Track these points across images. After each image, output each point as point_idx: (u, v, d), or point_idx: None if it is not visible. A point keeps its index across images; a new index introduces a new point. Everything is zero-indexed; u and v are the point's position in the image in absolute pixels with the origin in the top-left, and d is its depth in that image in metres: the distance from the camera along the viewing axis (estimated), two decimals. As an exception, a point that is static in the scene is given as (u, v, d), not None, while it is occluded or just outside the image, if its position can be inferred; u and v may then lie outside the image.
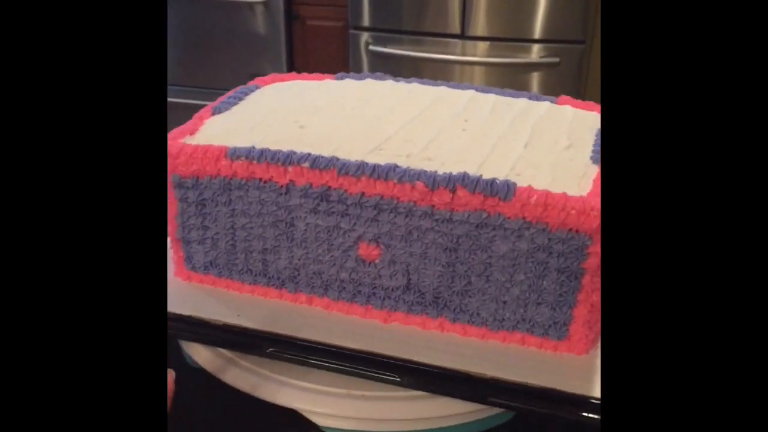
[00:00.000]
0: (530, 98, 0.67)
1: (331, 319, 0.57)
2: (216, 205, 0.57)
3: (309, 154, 0.53)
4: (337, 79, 0.73)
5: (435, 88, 0.69)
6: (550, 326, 0.54)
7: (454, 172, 0.51)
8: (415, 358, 0.53)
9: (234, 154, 0.55)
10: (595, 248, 0.50)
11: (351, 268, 0.56)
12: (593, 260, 0.50)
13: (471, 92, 0.67)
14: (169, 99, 2.31)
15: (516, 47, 1.88)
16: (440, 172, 0.51)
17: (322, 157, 0.53)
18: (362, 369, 0.53)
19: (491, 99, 0.66)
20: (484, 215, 0.51)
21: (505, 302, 0.54)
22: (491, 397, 0.51)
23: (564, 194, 0.49)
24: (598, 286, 0.52)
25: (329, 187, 0.53)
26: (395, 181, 0.51)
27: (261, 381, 0.55)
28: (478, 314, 0.55)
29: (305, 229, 0.56)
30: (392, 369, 0.52)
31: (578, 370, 0.53)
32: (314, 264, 0.57)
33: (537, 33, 1.85)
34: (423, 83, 0.70)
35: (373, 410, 0.54)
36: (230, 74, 2.24)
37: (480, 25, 1.88)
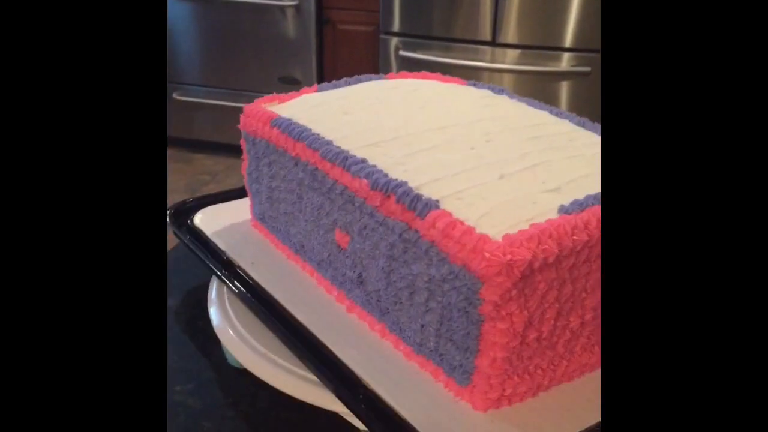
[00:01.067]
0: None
1: (311, 294, 0.61)
2: (262, 164, 0.65)
3: (312, 134, 0.58)
4: (467, 85, 0.73)
5: (529, 108, 0.65)
6: (456, 368, 0.49)
7: (398, 179, 0.50)
8: (333, 348, 0.54)
9: (275, 122, 0.62)
10: (489, 296, 0.44)
11: (329, 250, 0.59)
12: (487, 308, 0.45)
13: (548, 116, 0.62)
14: (199, 99, 2.36)
15: (547, 56, 1.79)
16: (391, 176, 0.51)
17: (316, 138, 0.57)
18: (289, 341, 0.56)
19: (555, 128, 0.60)
20: (405, 228, 0.49)
21: (422, 326, 0.51)
22: (357, 412, 0.49)
23: (470, 229, 0.45)
24: (500, 340, 0.46)
25: (316, 167, 0.57)
26: (351, 174, 0.53)
27: (301, 383, 0.55)
28: (405, 331, 0.53)
29: (306, 202, 0.60)
30: (308, 348, 0.54)
31: (464, 425, 0.48)
32: (311, 238, 0.61)
33: (568, 41, 1.75)
34: (529, 103, 0.67)
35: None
36: (260, 77, 2.22)
37: (511, 32, 1.79)
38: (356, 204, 0.53)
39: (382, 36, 2.00)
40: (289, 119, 0.61)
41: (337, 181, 0.55)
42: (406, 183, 0.50)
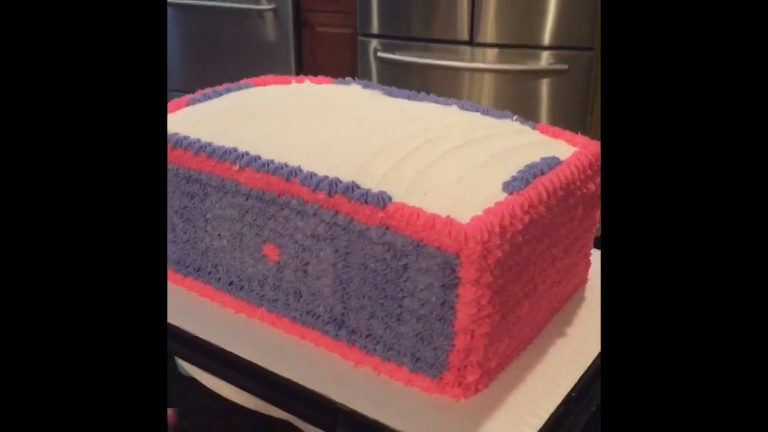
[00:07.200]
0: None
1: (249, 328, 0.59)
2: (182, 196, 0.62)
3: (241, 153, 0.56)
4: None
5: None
6: (425, 362, 0.51)
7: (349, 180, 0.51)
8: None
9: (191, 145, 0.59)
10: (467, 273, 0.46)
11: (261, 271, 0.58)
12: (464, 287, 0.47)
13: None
14: (179, 104, 2.39)
15: (525, 54, 1.85)
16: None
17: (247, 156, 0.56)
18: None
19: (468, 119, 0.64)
20: (361, 227, 0.50)
21: (387, 324, 0.52)
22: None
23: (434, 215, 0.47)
24: (478, 314, 0.47)
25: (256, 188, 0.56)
26: (299, 182, 0.52)
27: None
28: (363, 337, 0.53)
29: (236, 226, 0.59)
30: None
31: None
32: (243, 264, 0.59)
33: (546, 40, 1.82)
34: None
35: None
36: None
37: (489, 32, 1.85)
38: (298, 211, 0.52)
39: (361, 38, 2.00)
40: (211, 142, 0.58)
41: (280, 193, 0.53)
42: (354, 183, 0.50)
